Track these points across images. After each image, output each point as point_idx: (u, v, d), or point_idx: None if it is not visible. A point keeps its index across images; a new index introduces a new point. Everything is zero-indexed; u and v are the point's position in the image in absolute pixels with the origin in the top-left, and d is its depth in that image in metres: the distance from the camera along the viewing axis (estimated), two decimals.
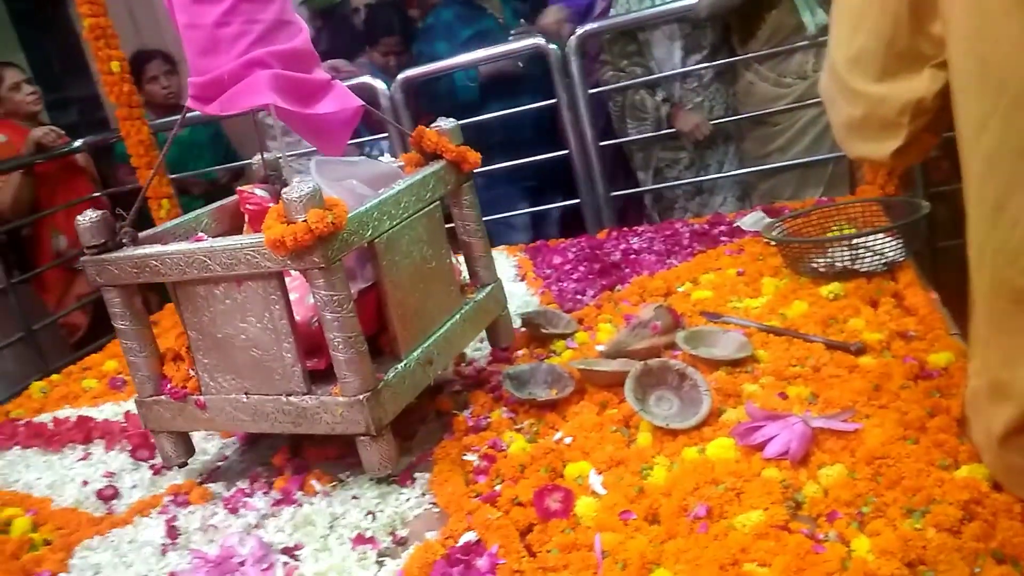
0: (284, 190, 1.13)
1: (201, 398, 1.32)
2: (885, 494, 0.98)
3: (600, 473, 1.15)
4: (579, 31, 2.63)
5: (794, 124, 2.61)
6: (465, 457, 1.27)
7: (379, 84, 2.79)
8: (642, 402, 1.25)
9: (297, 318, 1.23)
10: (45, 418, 1.88)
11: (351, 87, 1.48)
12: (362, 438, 1.21)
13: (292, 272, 1.23)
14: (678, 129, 2.72)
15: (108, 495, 1.45)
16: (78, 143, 3.15)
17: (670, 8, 2.63)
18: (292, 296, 1.23)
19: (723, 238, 2.03)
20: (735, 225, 2.10)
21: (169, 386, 1.36)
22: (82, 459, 1.64)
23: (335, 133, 1.39)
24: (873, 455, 1.04)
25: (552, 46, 2.64)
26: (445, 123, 1.51)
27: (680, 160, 2.85)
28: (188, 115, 1.39)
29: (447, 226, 1.48)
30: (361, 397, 1.18)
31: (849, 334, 1.38)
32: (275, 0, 1.26)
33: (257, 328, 1.23)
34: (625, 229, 2.28)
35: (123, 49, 2.52)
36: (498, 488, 1.16)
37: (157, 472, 1.49)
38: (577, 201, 2.80)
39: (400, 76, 2.78)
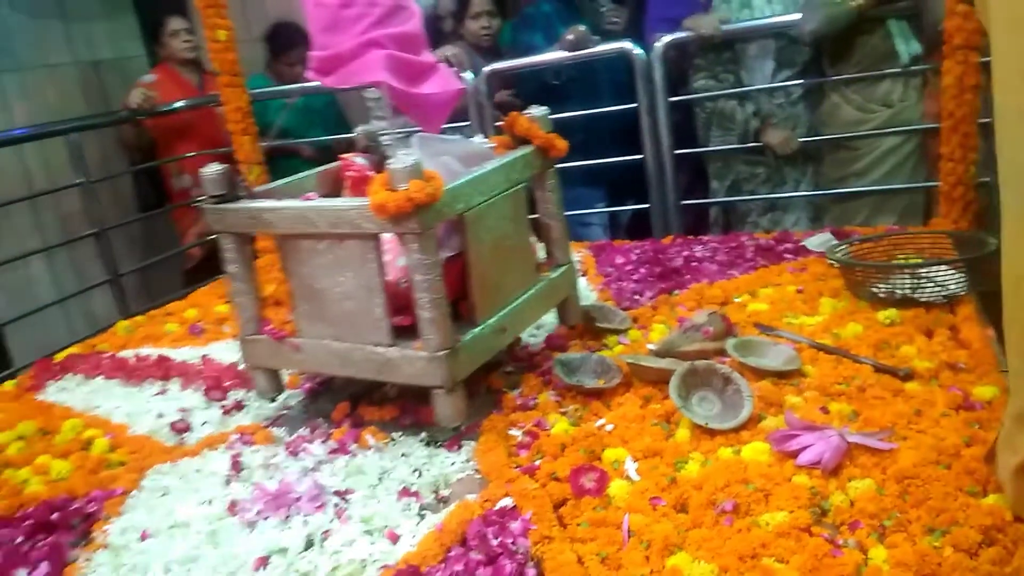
0: (389, 161, 1.23)
1: (296, 340, 1.44)
2: (909, 511, 1.01)
3: (636, 460, 1.21)
4: (666, 39, 2.67)
5: (874, 150, 2.59)
6: (510, 432, 1.35)
7: (466, 75, 2.88)
8: (685, 400, 1.30)
9: (388, 277, 1.33)
10: (128, 354, 2.03)
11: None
12: (438, 391, 1.31)
13: (386, 235, 1.33)
14: (765, 142, 2.72)
15: (181, 428, 1.58)
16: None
17: (769, 23, 2.64)
18: (385, 257, 1.33)
19: (787, 255, 2.04)
20: (801, 244, 2.11)
21: (269, 327, 1.48)
22: (159, 394, 1.78)
23: (436, 112, 1.50)
24: (904, 474, 1.07)
25: (638, 51, 2.69)
26: (536, 111, 1.59)
27: (758, 175, 2.86)
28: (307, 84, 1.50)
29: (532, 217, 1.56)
30: (440, 354, 1.28)
31: (899, 360, 1.40)
32: None
33: (352, 283, 1.34)
34: (690, 237, 2.32)
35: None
36: (538, 463, 1.23)
37: (227, 412, 1.62)
38: (647, 206, 2.84)
39: (486, 69, 2.87)
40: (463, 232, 1.38)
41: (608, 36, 2.91)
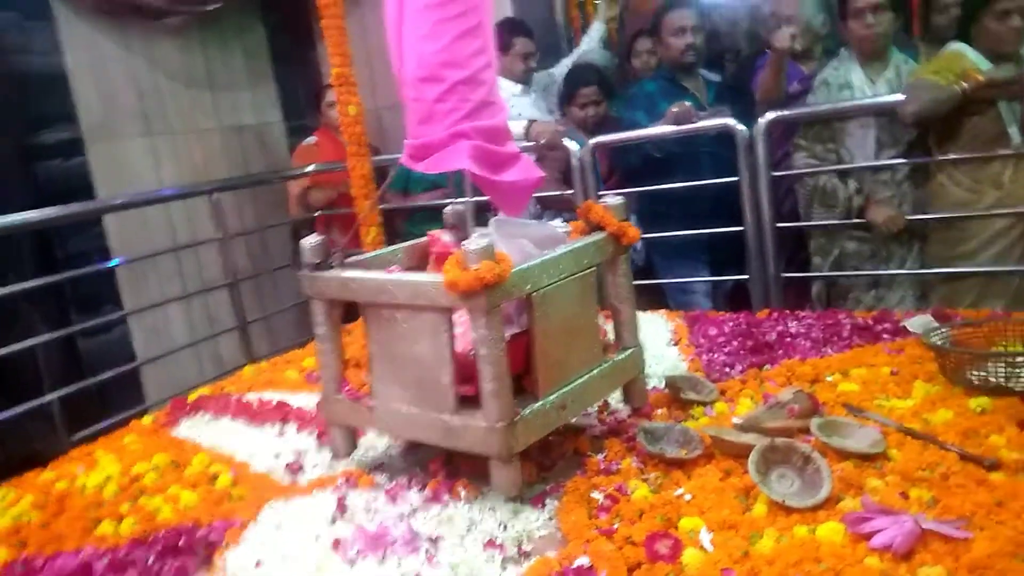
0: (465, 242, 1.35)
1: (371, 402, 1.57)
2: None
3: (711, 531, 1.26)
4: (770, 116, 2.74)
5: (983, 232, 2.55)
6: (592, 494, 1.42)
7: (572, 146, 3.04)
8: (764, 476, 1.35)
9: (458, 348, 1.45)
10: (251, 397, 2.23)
11: None
12: (495, 460, 1.40)
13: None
14: (870, 220, 2.73)
15: (295, 468, 1.73)
16: None
17: (870, 103, 2.68)
18: (457, 329, 1.45)
19: (885, 335, 2.04)
20: (901, 325, 2.10)
21: (348, 388, 1.62)
22: (277, 435, 1.95)
23: (516, 198, 1.63)
24: (976, 564, 1.08)
25: (741, 127, 2.76)
26: (611, 199, 1.69)
27: (862, 251, 2.85)
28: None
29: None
30: (498, 425, 1.38)
31: (987, 449, 1.39)
32: (484, 85, 1.52)
33: (425, 352, 1.46)
34: (786, 312, 2.34)
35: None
36: (616, 526, 1.30)
37: (336, 457, 1.76)
38: (745, 277, 2.88)
39: (592, 141, 3.01)
40: (530, 311, 1.47)
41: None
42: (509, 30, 3.47)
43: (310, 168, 3.73)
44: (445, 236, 1.77)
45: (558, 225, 1.76)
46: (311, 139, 3.94)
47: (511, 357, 1.40)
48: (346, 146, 2.95)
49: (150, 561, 1.44)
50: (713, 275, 3.23)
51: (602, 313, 1.72)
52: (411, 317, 1.47)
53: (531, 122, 3.05)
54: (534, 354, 1.48)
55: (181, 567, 1.41)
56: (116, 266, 3.51)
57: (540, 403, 1.46)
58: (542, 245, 1.59)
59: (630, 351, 1.71)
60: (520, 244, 1.56)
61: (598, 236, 1.63)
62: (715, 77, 3.39)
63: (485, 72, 1.55)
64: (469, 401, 1.45)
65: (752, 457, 1.36)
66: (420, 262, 1.80)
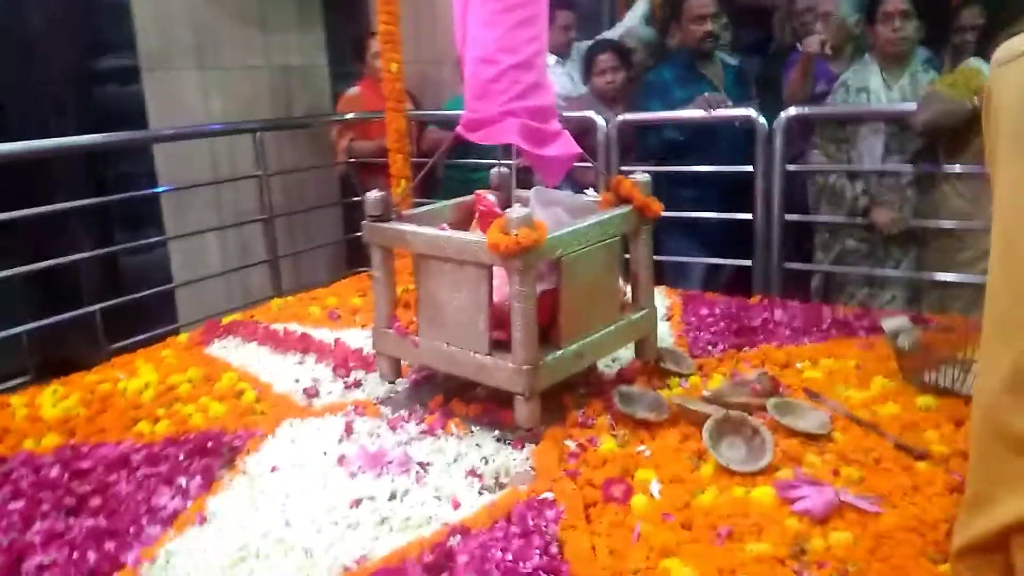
0: (507, 210, 1.55)
1: (416, 338, 1.79)
2: (872, 563, 1.21)
3: (661, 483, 1.45)
4: (791, 112, 2.86)
5: (981, 243, 2.67)
6: (566, 442, 1.62)
7: (599, 120, 3.18)
8: (715, 442, 1.54)
9: (495, 299, 1.65)
10: (277, 327, 2.45)
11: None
12: (519, 397, 1.62)
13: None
14: (873, 221, 2.86)
15: (311, 393, 1.95)
16: None
17: (883, 109, 2.79)
18: (495, 282, 1.65)
19: (861, 331, 2.20)
20: (879, 323, 2.25)
21: (397, 324, 1.84)
22: (298, 363, 2.17)
23: (555, 170, 1.82)
24: (880, 534, 1.26)
25: (762, 120, 2.89)
26: (640, 176, 1.86)
27: (860, 250, 2.99)
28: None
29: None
30: (525, 367, 1.59)
31: (920, 441, 1.56)
32: (535, 69, 1.71)
33: (466, 300, 1.68)
34: (775, 300, 2.50)
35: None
36: (581, 471, 1.50)
37: (347, 387, 1.98)
38: (748, 264, 3.03)
39: (618, 118, 3.15)
40: (559, 272, 1.67)
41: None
42: (551, 2, 3.59)
43: (350, 116, 3.90)
44: (490, 196, 1.97)
45: (589, 195, 1.94)
46: (354, 89, 4.10)
47: (539, 310, 1.61)
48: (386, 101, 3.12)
49: (181, 457, 1.68)
50: (712, 257, 3.36)
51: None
52: (457, 269, 1.68)
53: None
54: (559, 310, 1.69)
55: (207, 465, 1.63)
56: (161, 192, 3.73)
57: (561, 351, 1.68)
58: (574, 214, 1.79)
59: (644, 312, 1.91)
60: (555, 212, 1.76)
61: (624, 209, 1.82)
62: (733, 61, 3.48)
63: (537, 58, 1.74)
64: (501, 345, 1.66)
65: (707, 425, 1.55)
66: (466, 218, 2.00)
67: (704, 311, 2.40)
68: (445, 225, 1.86)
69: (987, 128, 1.06)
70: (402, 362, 1.93)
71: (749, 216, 2.99)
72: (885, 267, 2.92)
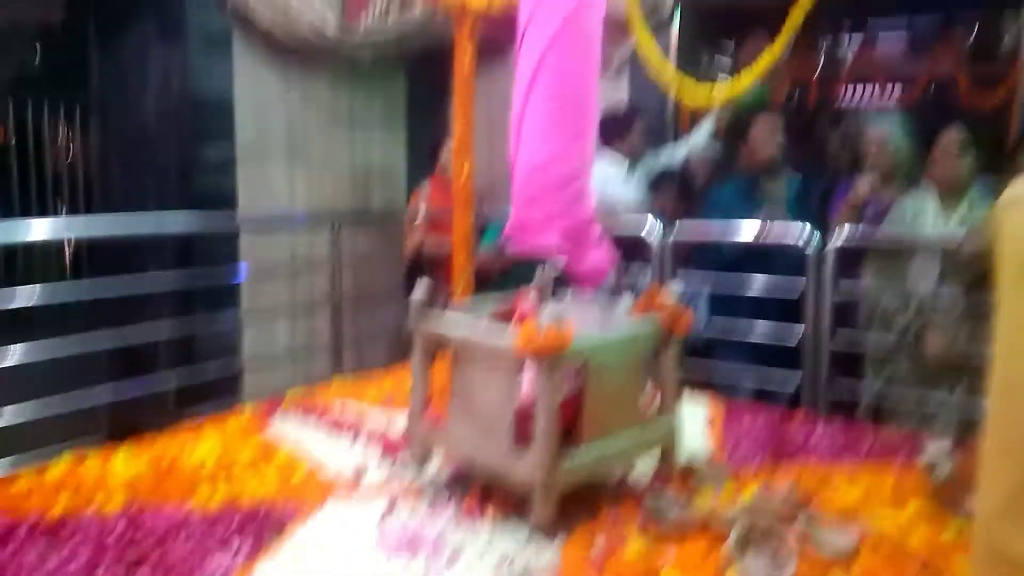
0: (541, 310, 1.66)
1: (447, 427, 1.88)
2: None
3: None
4: (843, 240, 2.94)
5: None
6: (596, 539, 1.68)
7: (655, 230, 3.32)
8: (740, 553, 1.57)
9: (522, 396, 1.74)
10: (335, 406, 2.59)
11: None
12: (536, 497, 1.68)
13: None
14: (925, 347, 2.88)
15: (359, 473, 2.06)
16: None
17: (935, 237, 2.85)
18: (525, 379, 1.75)
19: (901, 454, 2.20)
20: (921, 445, 2.25)
21: (429, 412, 1.95)
22: (350, 444, 2.29)
23: (592, 278, 1.93)
24: None
25: (813, 245, 2.97)
26: (673, 288, 1.97)
27: (913, 374, 2.99)
28: None
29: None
30: (543, 467, 1.66)
31: (949, 568, 1.57)
32: (580, 181, 1.86)
33: (494, 394, 1.77)
34: (819, 415, 2.52)
35: None
36: (605, 570, 1.55)
37: (394, 469, 2.08)
38: (799, 379, 3.06)
39: (673, 232, 3.28)
40: (586, 375, 1.76)
41: None
42: (628, 116, 3.84)
43: (421, 213, 4.13)
44: (531, 296, 2.09)
45: (625, 304, 2.05)
46: (426, 186, 4.36)
47: (564, 411, 1.70)
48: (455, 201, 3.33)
49: (234, 526, 1.79)
50: (768, 373, 3.40)
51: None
52: (489, 363, 1.79)
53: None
54: (583, 412, 1.77)
55: (258, 534, 1.74)
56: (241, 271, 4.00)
57: (580, 455, 1.75)
58: (607, 320, 1.89)
59: (668, 423, 1.97)
60: (586, 317, 1.86)
61: (654, 320, 1.91)
62: (795, 180, 3.59)
63: (583, 170, 1.89)
64: (523, 442, 1.75)
65: (731, 536, 1.59)
66: (508, 314, 2.12)
67: (746, 422, 2.44)
68: (484, 319, 1.98)
69: (994, 261, 1.14)
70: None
71: (799, 332, 3.04)
72: (936, 393, 2.90)
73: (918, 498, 1.90)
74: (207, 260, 3.88)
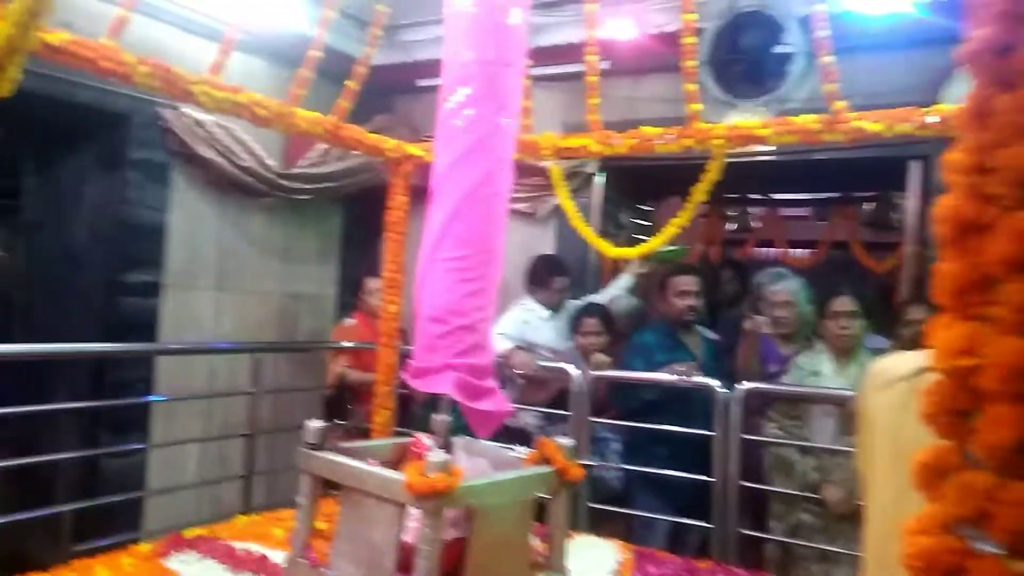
0: (427, 453, 1.70)
1: (326, 571, 1.86)
2: None
3: None
4: (746, 386, 3.10)
5: None
6: None
7: (574, 372, 3.43)
8: None
9: (408, 539, 1.75)
10: (238, 545, 2.51)
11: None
12: None
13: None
14: (824, 497, 2.99)
15: None
16: None
17: (829, 393, 3.04)
18: (410, 522, 1.75)
19: None
20: None
21: (311, 554, 1.92)
22: None
23: (487, 423, 1.99)
24: None
25: (724, 390, 3.12)
26: (565, 440, 2.03)
27: (816, 525, 3.08)
28: None
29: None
30: None
31: None
32: (478, 332, 1.94)
33: (378, 536, 1.77)
34: (727, 566, 2.57)
35: None
36: None
37: None
38: (709, 526, 3.11)
39: (592, 375, 3.40)
40: (470, 520, 1.78)
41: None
42: (551, 268, 4.04)
43: (346, 344, 4.18)
44: (426, 440, 2.12)
45: (518, 452, 2.09)
46: (351, 321, 4.42)
47: (447, 556, 1.70)
48: (381, 337, 3.40)
49: None
50: (682, 519, 3.44)
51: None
52: (374, 505, 1.80)
53: (512, 350, 3.50)
54: (466, 558, 1.77)
55: None
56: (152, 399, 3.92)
57: None
58: (498, 466, 1.93)
59: (556, 574, 1.98)
60: (478, 463, 1.90)
61: (545, 469, 1.96)
62: (713, 336, 3.80)
63: (482, 323, 1.98)
64: None
65: None
66: (402, 457, 2.14)
67: (652, 570, 2.47)
68: (374, 461, 1.99)
69: (862, 436, 1.22)
70: None
71: (711, 479, 3.12)
72: (836, 544, 2.99)
73: None
74: (121, 387, 3.79)
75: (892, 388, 1.17)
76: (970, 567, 0.59)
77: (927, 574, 0.61)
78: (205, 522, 2.85)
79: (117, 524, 3.25)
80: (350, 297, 5.07)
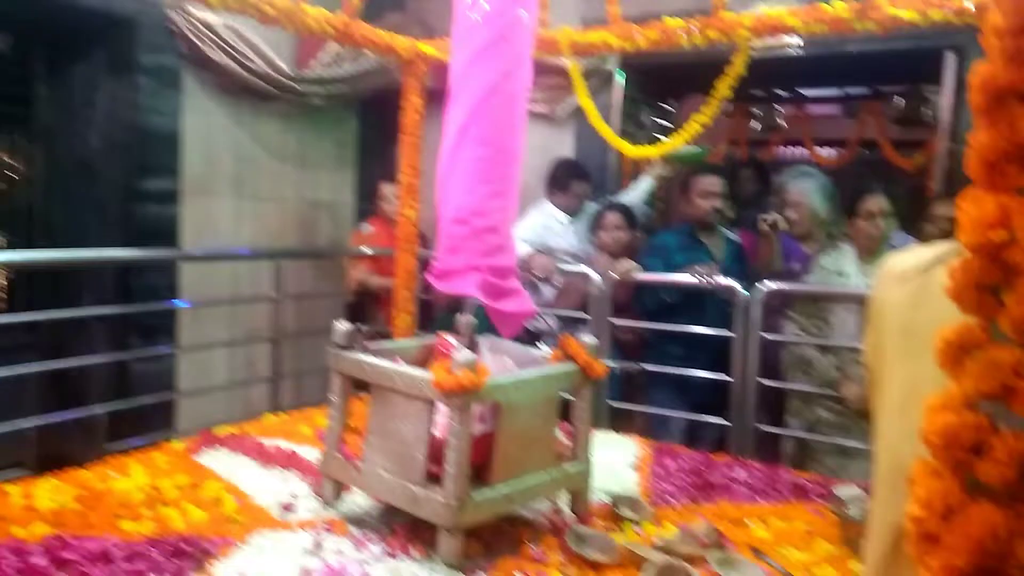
0: (453, 352, 1.72)
1: (359, 463, 1.91)
2: None
3: None
4: (769, 288, 3.08)
5: None
6: (515, 574, 1.72)
7: (595, 276, 3.43)
8: None
9: (437, 434, 1.79)
10: (267, 442, 2.59)
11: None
12: (443, 531, 1.72)
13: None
14: (842, 395, 3.01)
15: (287, 507, 2.07)
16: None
17: (851, 292, 3.02)
18: (439, 418, 1.80)
19: (816, 497, 2.31)
20: (833, 490, 2.36)
21: (344, 448, 1.98)
22: (280, 478, 2.30)
23: (511, 324, 2.00)
24: None
25: (743, 291, 3.11)
26: (588, 338, 2.04)
27: (833, 421, 3.12)
28: None
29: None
30: (452, 502, 1.70)
31: None
32: (501, 232, 1.93)
33: (408, 432, 1.81)
34: (741, 460, 2.62)
35: None
36: None
37: (323, 505, 2.10)
38: (727, 423, 3.16)
39: (610, 277, 3.40)
40: (497, 416, 1.82)
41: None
42: (571, 172, 3.98)
43: (364, 250, 4.20)
44: (451, 339, 2.15)
45: (542, 351, 2.11)
46: (368, 227, 4.43)
47: (475, 450, 1.74)
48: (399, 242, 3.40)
49: (157, 557, 1.79)
50: (697, 418, 3.50)
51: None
52: (404, 402, 1.83)
53: (532, 254, 3.48)
54: (494, 451, 1.81)
55: (180, 567, 1.74)
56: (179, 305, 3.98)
57: (490, 492, 1.79)
58: (522, 364, 1.95)
59: (579, 466, 2.03)
60: (503, 361, 1.92)
61: (569, 366, 1.98)
62: (735, 237, 3.75)
63: (503, 224, 1.97)
64: (435, 479, 1.78)
65: (645, 569, 1.65)
66: (428, 357, 2.17)
67: (671, 463, 2.52)
68: (400, 360, 2.02)
69: (872, 330, 1.20)
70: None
71: (728, 377, 3.15)
72: (854, 439, 3.03)
73: (827, 540, 1.99)
74: (146, 293, 3.84)
75: (906, 282, 1.14)
76: (992, 443, 0.58)
77: (948, 451, 0.61)
78: (235, 423, 2.93)
79: (150, 426, 3.36)
80: (367, 204, 5.06)
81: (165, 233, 3.95)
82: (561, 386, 1.97)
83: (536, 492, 1.93)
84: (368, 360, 1.93)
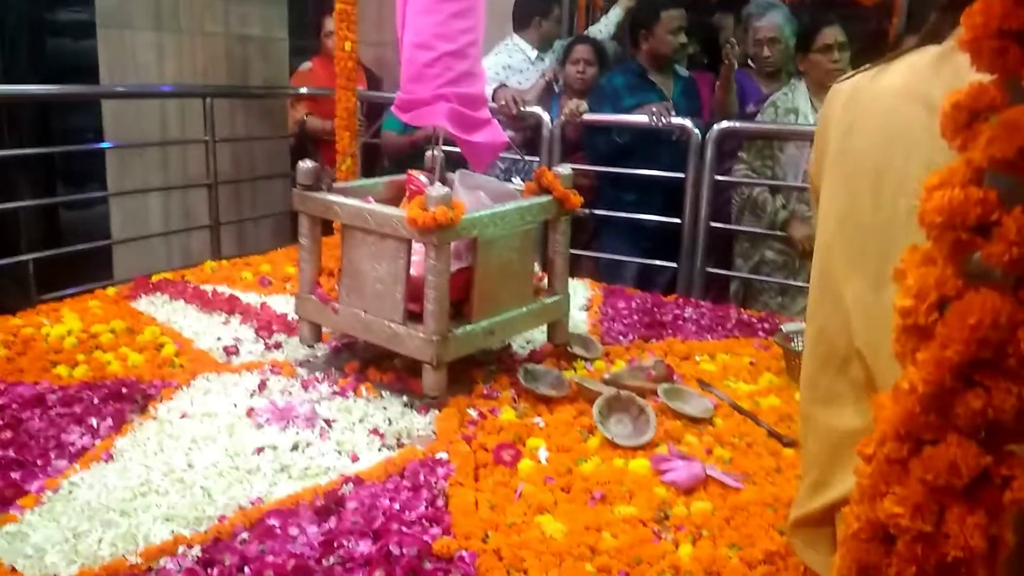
0: (427, 187, 1.63)
1: (337, 305, 1.86)
2: (726, 531, 1.33)
3: (549, 451, 1.56)
4: (722, 126, 3.00)
5: None
6: (468, 410, 1.72)
7: (545, 116, 3.29)
8: (604, 418, 1.65)
9: (414, 272, 1.73)
10: (207, 288, 2.50)
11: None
12: (427, 365, 1.70)
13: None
14: (789, 235, 3.02)
15: (230, 351, 2.01)
16: None
17: (803, 129, 2.95)
18: (415, 257, 1.73)
19: (761, 333, 2.34)
20: (779, 326, 2.40)
21: (319, 291, 1.91)
22: (223, 323, 2.23)
23: (483, 156, 1.90)
24: (737, 505, 1.39)
25: (696, 131, 3.02)
26: (562, 168, 1.96)
27: (778, 261, 3.15)
28: None
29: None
30: (434, 337, 1.68)
31: (792, 432, 1.70)
32: (468, 58, 1.80)
33: (385, 271, 1.75)
34: (689, 299, 2.64)
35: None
36: (477, 435, 1.60)
37: (268, 348, 2.05)
38: (675, 266, 3.17)
39: (562, 118, 3.26)
40: (474, 251, 1.77)
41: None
42: (539, 3, 3.72)
43: (302, 90, 3.95)
44: (421, 177, 2.05)
45: (515, 183, 2.03)
46: (307, 64, 4.16)
47: (454, 286, 1.70)
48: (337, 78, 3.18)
49: (95, 401, 1.73)
50: (650, 260, 3.50)
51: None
52: (378, 241, 1.75)
53: (498, 88, 3.31)
54: (472, 287, 1.77)
55: (119, 409, 1.69)
56: (106, 148, 3.72)
57: (471, 326, 1.77)
58: (496, 199, 1.88)
59: (557, 297, 2.01)
60: (478, 195, 1.84)
61: (545, 198, 1.91)
62: (684, 72, 3.61)
63: (471, 48, 1.82)
64: (414, 316, 1.75)
65: (597, 402, 1.66)
66: (398, 195, 2.07)
67: (621, 304, 2.52)
68: (371, 199, 1.94)
69: (817, 147, 1.15)
70: (323, 329, 2.00)
71: (678, 220, 3.13)
72: (798, 279, 3.08)
73: (771, 372, 2.03)
74: (68, 134, 3.58)
75: (850, 100, 1.09)
76: (1001, 220, 0.52)
77: (951, 230, 0.54)
78: (175, 271, 2.81)
79: (85, 276, 3.21)
80: (303, 40, 4.72)
81: (83, 69, 3.63)
82: (538, 219, 1.91)
83: (516, 325, 1.92)
84: (338, 200, 1.82)
